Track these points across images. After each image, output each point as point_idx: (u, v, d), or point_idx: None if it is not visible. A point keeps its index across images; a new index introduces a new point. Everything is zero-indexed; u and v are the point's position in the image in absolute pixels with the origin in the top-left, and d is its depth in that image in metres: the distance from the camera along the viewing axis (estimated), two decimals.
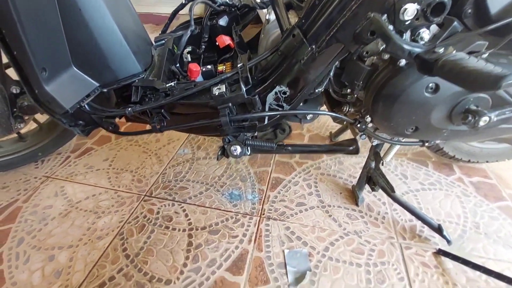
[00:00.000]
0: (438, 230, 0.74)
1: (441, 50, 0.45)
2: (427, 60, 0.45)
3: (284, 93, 0.59)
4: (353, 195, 0.91)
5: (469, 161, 0.96)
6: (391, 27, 0.48)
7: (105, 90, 0.68)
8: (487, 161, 0.96)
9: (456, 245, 0.76)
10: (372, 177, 0.81)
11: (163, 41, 0.78)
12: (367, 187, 0.86)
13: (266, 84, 0.60)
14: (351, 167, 1.02)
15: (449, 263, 0.72)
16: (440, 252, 0.73)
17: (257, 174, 0.99)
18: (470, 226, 0.82)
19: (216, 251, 0.75)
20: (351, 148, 0.61)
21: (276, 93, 0.60)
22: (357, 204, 0.87)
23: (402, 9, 0.47)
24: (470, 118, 0.54)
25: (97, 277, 0.71)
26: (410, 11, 0.46)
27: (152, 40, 0.80)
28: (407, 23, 0.48)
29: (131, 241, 0.79)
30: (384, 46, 0.48)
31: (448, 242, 0.74)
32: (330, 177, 0.98)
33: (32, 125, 1.06)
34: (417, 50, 0.48)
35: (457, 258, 0.70)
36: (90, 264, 0.73)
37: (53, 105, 0.60)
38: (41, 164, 1.08)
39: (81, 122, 0.68)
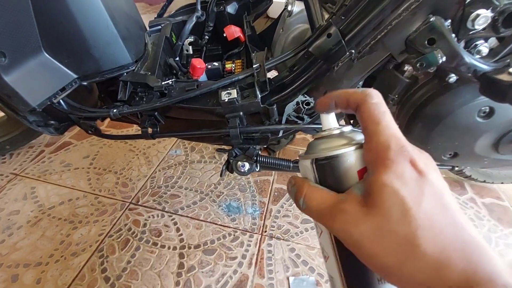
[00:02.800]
0: None
1: None
2: (500, 81, 0.36)
3: (308, 104, 0.49)
4: None
5: (484, 181, 0.90)
6: (453, 35, 0.39)
7: (85, 83, 0.56)
8: (502, 182, 0.91)
9: None
10: None
11: (159, 27, 0.65)
12: None
13: (286, 91, 0.49)
14: None
15: None
16: None
17: (258, 184, 0.90)
18: None
19: (212, 276, 0.66)
20: None
21: (297, 103, 0.49)
22: None
23: (473, 15, 0.37)
24: None
25: None
26: (482, 19, 0.37)
27: (146, 24, 0.67)
28: (472, 32, 0.39)
29: (112, 260, 0.68)
30: (443, 58, 0.38)
31: None
32: None
33: None
34: (484, 68, 0.39)
35: None
36: None
37: (15, 100, 0.47)
38: (9, 159, 0.94)
39: (52, 121, 0.55)
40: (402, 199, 0.17)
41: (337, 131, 0.23)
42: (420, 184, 0.18)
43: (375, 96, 0.20)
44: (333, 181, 0.21)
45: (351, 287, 0.22)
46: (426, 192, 0.17)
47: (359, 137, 0.22)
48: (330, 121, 0.24)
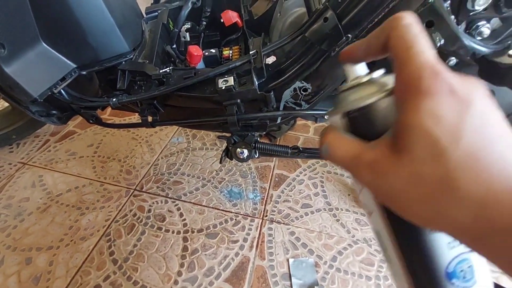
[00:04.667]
0: None
1: None
2: (499, 64, 0.36)
3: (305, 90, 0.49)
4: None
5: None
6: (452, 17, 0.38)
7: (84, 72, 0.56)
8: None
9: None
10: None
11: (156, 14, 0.64)
12: None
13: (283, 77, 0.49)
14: None
15: None
16: None
17: (259, 170, 0.91)
18: None
19: (214, 258, 0.69)
20: None
21: (295, 89, 0.49)
22: None
23: None
24: None
25: (81, 285, 0.63)
26: None
27: (142, 11, 0.66)
28: (473, 13, 0.38)
29: (119, 244, 0.71)
30: (442, 41, 0.37)
31: None
32: (337, 176, 0.91)
33: (3, 104, 0.93)
34: (484, 50, 0.38)
35: None
36: (72, 270, 0.66)
37: (17, 91, 0.48)
38: (17, 148, 0.97)
39: (55, 111, 0.57)
40: (436, 140, 0.15)
41: (367, 78, 0.19)
42: (460, 116, 0.15)
43: (407, 17, 0.16)
44: (368, 133, 0.19)
45: (403, 243, 0.21)
46: (467, 125, 0.15)
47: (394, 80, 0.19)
48: (357, 70, 0.20)
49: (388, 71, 0.19)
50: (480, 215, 0.14)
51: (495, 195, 0.14)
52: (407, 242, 0.20)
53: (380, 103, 0.18)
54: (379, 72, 0.20)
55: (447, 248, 0.20)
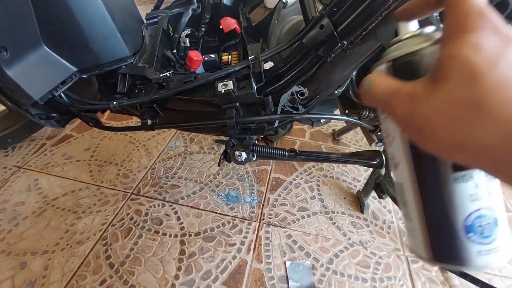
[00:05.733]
0: None
1: None
2: None
3: (302, 94, 0.51)
4: (357, 201, 0.85)
5: None
6: (441, 26, 0.40)
7: (84, 76, 0.57)
8: None
9: None
10: (381, 185, 0.75)
11: (156, 20, 0.66)
12: (372, 193, 0.81)
13: (281, 82, 0.51)
14: (355, 169, 0.97)
15: (455, 279, 0.69)
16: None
17: (256, 174, 0.92)
18: None
19: (212, 262, 0.69)
20: (374, 162, 0.55)
21: (292, 93, 0.51)
22: (362, 211, 0.82)
23: None
24: None
25: None
26: None
27: (143, 17, 0.68)
28: None
29: (115, 248, 0.70)
30: None
31: None
32: (333, 179, 0.92)
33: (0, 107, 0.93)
34: None
35: (465, 275, 0.67)
36: (68, 274, 0.65)
37: (18, 94, 0.48)
38: (12, 152, 0.96)
39: (54, 114, 0.57)
40: (474, 65, 0.15)
41: (418, 32, 0.20)
42: (500, 49, 0.15)
43: None
44: (411, 79, 0.19)
45: (425, 190, 0.21)
46: (505, 58, 0.15)
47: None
48: (409, 26, 0.21)
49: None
50: (508, 135, 0.15)
51: None
52: (430, 191, 0.21)
53: (425, 50, 0.19)
54: (430, 28, 0.21)
55: (469, 200, 0.20)
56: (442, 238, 0.21)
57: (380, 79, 0.20)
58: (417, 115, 0.17)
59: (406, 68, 0.20)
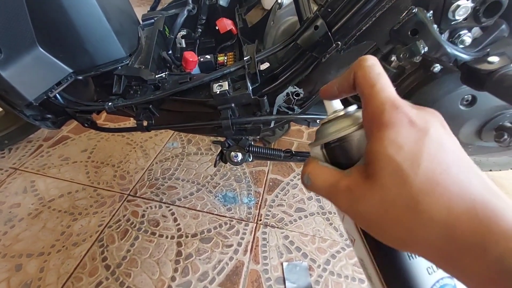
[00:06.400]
0: None
1: (496, 60, 0.38)
2: (479, 71, 0.38)
3: (298, 94, 0.51)
4: None
5: None
6: (435, 26, 0.40)
7: (80, 77, 0.57)
8: (490, 170, 0.93)
9: None
10: None
11: (152, 21, 0.66)
12: None
13: (276, 83, 0.51)
14: None
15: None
16: None
17: (253, 174, 0.92)
18: None
19: (208, 263, 0.68)
20: None
21: (287, 94, 0.51)
22: None
23: (453, 6, 0.38)
24: (506, 136, 0.47)
25: None
26: (462, 9, 0.38)
27: (139, 17, 0.68)
28: (454, 23, 0.40)
29: (112, 249, 0.70)
30: (425, 49, 0.39)
31: None
32: None
33: None
34: (465, 57, 0.40)
35: None
36: (64, 276, 0.65)
37: (12, 95, 0.48)
38: (8, 153, 0.95)
39: (49, 115, 0.57)
40: (399, 165, 0.16)
41: (342, 113, 0.22)
42: (419, 144, 0.16)
43: (370, 59, 0.19)
44: (345, 162, 0.21)
45: (384, 268, 0.21)
46: (425, 152, 0.16)
47: None
48: (334, 105, 0.23)
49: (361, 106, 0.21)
50: (446, 235, 0.15)
51: (457, 216, 0.15)
52: (388, 269, 0.21)
53: (353, 134, 0.20)
54: (353, 107, 0.22)
55: (426, 274, 0.20)
56: None
57: (317, 172, 0.21)
58: (359, 210, 0.18)
59: (338, 152, 0.21)
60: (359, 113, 0.21)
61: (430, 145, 0.16)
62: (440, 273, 0.21)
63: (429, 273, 0.20)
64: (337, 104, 0.23)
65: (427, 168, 0.16)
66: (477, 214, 0.15)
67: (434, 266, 0.21)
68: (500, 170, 0.94)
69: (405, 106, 0.17)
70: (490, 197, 0.15)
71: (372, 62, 0.19)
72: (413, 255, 0.20)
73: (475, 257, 0.15)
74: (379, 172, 0.17)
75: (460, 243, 0.15)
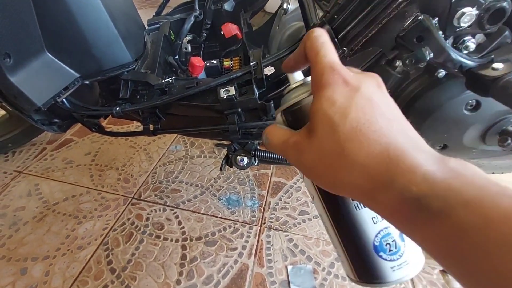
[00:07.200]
0: None
1: (501, 67, 0.38)
2: (484, 77, 0.38)
3: None
4: None
5: None
6: (440, 33, 0.41)
7: (87, 82, 0.57)
8: (493, 173, 0.94)
9: None
10: None
11: (158, 26, 0.66)
12: None
13: (282, 88, 0.51)
14: None
15: (456, 282, 0.69)
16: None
17: (257, 177, 0.92)
18: None
19: (213, 266, 0.69)
20: None
21: None
22: None
23: (459, 13, 0.39)
24: (509, 141, 0.48)
25: None
26: (467, 17, 0.39)
27: (144, 21, 0.68)
28: (459, 30, 0.41)
29: (117, 253, 0.70)
30: (431, 55, 0.40)
31: None
32: None
33: (0, 112, 0.93)
34: (470, 63, 0.41)
35: None
36: (69, 280, 0.65)
37: (21, 100, 0.48)
38: (12, 157, 0.96)
39: (57, 120, 0.57)
40: (330, 118, 0.18)
41: (300, 82, 0.24)
42: (349, 99, 0.19)
43: (316, 31, 0.22)
44: (299, 125, 0.23)
45: (335, 219, 0.24)
46: (353, 105, 0.18)
47: None
48: (295, 76, 0.26)
49: None
50: (365, 175, 0.18)
51: (373, 158, 0.18)
52: (339, 219, 0.24)
53: (305, 100, 0.23)
54: (309, 78, 0.24)
55: (372, 223, 0.23)
56: (360, 261, 0.23)
57: (273, 132, 0.24)
58: (303, 162, 0.21)
59: (293, 117, 0.24)
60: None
61: (359, 100, 0.19)
62: (384, 223, 0.23)
63: (374, 222, 0.23)
64: (298, 75, 0.26)
65: (353, 119, 0.18)
66: (389, 155, 0.17)
67: (378, 216, 0.23)
68: (502, 173, 0.95)
69: (342, 69, 0.20)
70: (403, 140, 0.18)
71: (318, 33, 0.21)
72: (359, 206, 0.23)
73: (385, 191, 0.17)
74: (316, 126, 0.19)
75: (375, 181, 0.17)
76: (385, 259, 0.22)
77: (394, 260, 0.22)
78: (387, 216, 0.18)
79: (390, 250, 0.22)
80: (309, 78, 0.24)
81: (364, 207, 0.23)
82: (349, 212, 0.23)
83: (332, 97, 0.19)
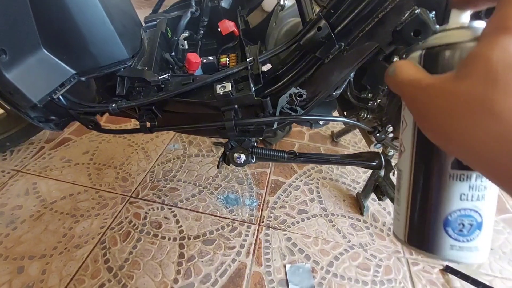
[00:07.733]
0: None
1: None
2: None
3: (300, 95, 0.51)
4: (357, 203, 0.85)
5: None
6: (437, 27, 0.40)
7: (83, 79, 0.57)
8: None
9: None
10: (381, 186, 0.75)
11: (155, 23, 0.66)
12: (371, 194, 0.81)
13: (279, 84, 0.51)
14: (354, 171, 0.97)
15: (456, 281, 0.69)
16: (448, 270, 0.70)
17: (255, 176, 0.92)
18: None
19: (211, 265, 0.68)
20: (374, 163, 0.55)
21: (290, 95, 0.51)
22: (361, 214, 0.82)
23: None
24: None
25: None
26: None
27: (141, 20, 0.68)
28: None
29: (114, 251, 0.70)
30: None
31: None
32: (332, 181, 0.92)
33: None
34: None
35: (466, 277, 0.67)
36: (66, 278, 0.64)
37: (17, 97, 0.48)
38: (10, 156, 0.95)
39: (53, 117, 0.57)
40: (495, 66, 0.15)
41: (464, 25, 0.20)
42: None
43: None
44: (439, 71, 0.19)
45: (418, 179, 0.22)
46: None
47: None
48: (461, 16, 0.21)
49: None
50: (503, 137, 0.15)
51: None
52: (424, 180, 0.22)
53: (462, 45, 0.19)
54: (480, 23, 0.20)
55: (457, 198, 0.21)
56: (421, 227, 0.22)
57: (405, 67, 0.21)
58: (430, 108, 0.18)
59: (437, 59, 0.20)
60: (481, 30, 0.19)
61: None
62: (471, 204, 0.21)
63: (460, 199, 0.20)
64: (465, 16, 0.21)
65: None
66: None
67: (469, 195, 0.21)
68: None
69: None
70: None
71: None
72: (456, 176, 0.20)
73: None
74: (473, 71, 0.16)
75: None
76: (450, 236, 0.21)
77: (458, 240, 0.21)
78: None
79: (460, 231, 0.21)
80: (476, 24, 0.20)
81: (459, 180, 0.20)
82: (441, 177, 0.21)
83: (510, 49, 0.15)
